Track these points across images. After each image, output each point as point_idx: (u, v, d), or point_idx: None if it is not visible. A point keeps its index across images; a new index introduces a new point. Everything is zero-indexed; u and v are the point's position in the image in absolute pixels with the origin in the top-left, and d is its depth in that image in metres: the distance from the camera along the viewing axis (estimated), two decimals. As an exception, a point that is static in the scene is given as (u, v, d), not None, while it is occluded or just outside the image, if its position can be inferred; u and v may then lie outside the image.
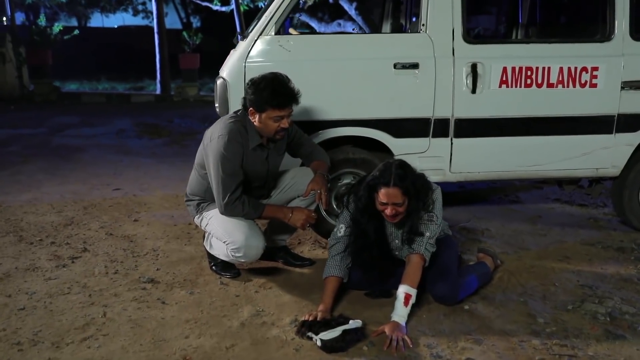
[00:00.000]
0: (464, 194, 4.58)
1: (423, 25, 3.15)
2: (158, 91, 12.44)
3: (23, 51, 11.64)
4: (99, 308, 2.51)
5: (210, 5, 12.87)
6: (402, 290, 2.35)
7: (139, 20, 24.63)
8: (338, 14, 8.99)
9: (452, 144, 3.25)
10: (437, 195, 2.54)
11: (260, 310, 2.52)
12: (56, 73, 14.30)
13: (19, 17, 17.52)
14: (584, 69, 3.21)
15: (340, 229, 2.58)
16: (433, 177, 3.32)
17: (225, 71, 3.18)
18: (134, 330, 2.33)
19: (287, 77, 2.63)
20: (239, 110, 2.74)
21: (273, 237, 3.03)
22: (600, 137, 3.31)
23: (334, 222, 3.25)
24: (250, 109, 2.60)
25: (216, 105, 3.25)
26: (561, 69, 3.20)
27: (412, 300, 2.35)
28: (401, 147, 3.22)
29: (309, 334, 2.23)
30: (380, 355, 2.14)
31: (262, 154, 2.72)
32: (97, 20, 26.93)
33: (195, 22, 23.36)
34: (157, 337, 2.28)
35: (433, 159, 3.28)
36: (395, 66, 3.12)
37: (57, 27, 11.80)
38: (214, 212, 2.71)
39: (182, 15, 23.10)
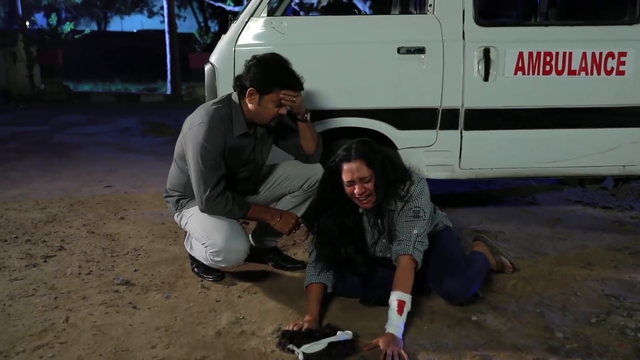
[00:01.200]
0: (477, 194, 4.26)
1: (430, 5, 2.86)
2: (169, 91, 12.31)
3: (34, 50, 11.61)
4: (62, 312, 2.26)
5: (223, 6, 12.74)
6: (394, 297, 2.06)
7: (157, 25, 24.76)
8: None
9: (461, 136, 2.95)
10: (423, 186, 2.24)
11: (241, 317, 2.24)
12: (70, 75, 14.32)
13: (42, 21, 17.65)
14: (610, 54, 2.88)
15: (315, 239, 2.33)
16: (441, 174, 3.04)
17: (214, 56, 2.93)
18: (96, 338, 2.06)
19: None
20: (224, 95, 2.48)
21: (262, 238, 2.76)
22: (628, 130, 2.98)
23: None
24: (250, 89, 2.30)
25: (206, 94, 3.01)
26: (584, 54, 2.88)
27: (407, 308, 2.05)
28: (405, 140, 2.94)
29: (290, 346, 1.94)
30: (371, 373, 1.86)
31: (248, 144, 2.45)
32: (117, 24, 27.18)
33: (213, 26, 23.35)
34: (120, 346, 2.01)
35: (441, 154, 2.98)
36: (399, 50, 2.84)
37: (68, 27, 11.74)
38: (194, 209, 2.44)
39: (200, 19, 23.09)
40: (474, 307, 2.30)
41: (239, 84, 2.36)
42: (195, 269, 2.64)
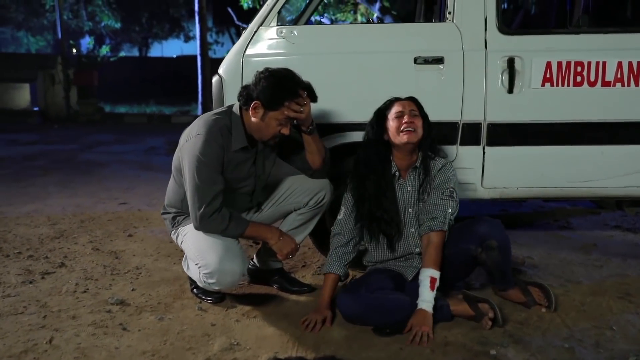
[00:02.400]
0: (505, 217, 3.99)
1: (449, 13, 2.68)
2: (199, 112, 12.42)
3: (71, 73, 11.93)
4: (48, 332, 2.13)
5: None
6: (427, 274, 2.15)
7: (196, 51, 25.37)
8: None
9: (484, 153, 2.72)
10: (453, 169, 2.36)
11: (235, 343, 2.06)
12: (108, 98, 14.69)
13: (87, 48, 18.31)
14: (649, 64, 2.63)
15: (341, 213, 2.36)
16: (462, 193, 2.79)
17: (221, 67, 2.81)
18: (77, 362, 1.92)
19: None
20: (225, 106, 2.36)
21: (267, 258, 2.58)
22: (672, 147, 2.70)
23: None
24: (256, 102, 2.16)
25: (213, 107, 2.89)
26: (620, 64, 2.63)
27: (436, 284, 2.14)
28: (423, 156, 2.72)
29: (281, 378, 1.76)
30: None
31: (248, 158, 2.29)
32: (158, 50, 27.96)
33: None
34: (101, 371, 1.87)
35: (462, 171, 2.74)
36: (415, 61, 2.65)
37: (104, 49, 12.05)
38: (190, 227, 2.29)
39: (237, 44, 23.49)
40: (494, 340, 2.07)
41: (245, 94, 2.21)
42: (194, 290, 2.48)
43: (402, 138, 2.23)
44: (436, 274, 2.15)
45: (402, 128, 2.23)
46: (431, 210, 2.27)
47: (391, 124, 2.27)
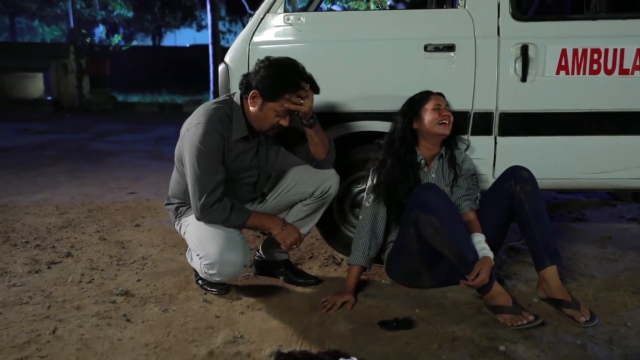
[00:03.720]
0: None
1: (461, -1, 2.60)
2: (211, 101, 12.41)
3: (83, 62, 11.96)
4: (52, 323, 2.11)
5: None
6: (479, 237, 2.25)
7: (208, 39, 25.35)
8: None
9: (495, 143, 2.65)
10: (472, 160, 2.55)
11: (239, 336, 2.03)
12: (121, 87, 14.72)
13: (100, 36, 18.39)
14: (670, 51, 2.53)
15: (369, 199, 2.39)
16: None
17: (227, 55, 2.76)
18: (79, 353, 1.90)
19: None
20: (226, 95, 2.31)
21: (272, 250, 2.55)
22: (691, 138, 2.60)
23: (351, 234, 2.75)
24: (254, 91, 2.09)
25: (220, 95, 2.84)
26: (639, 50, 2.54)
27: None
28: (432, 147, 2.66)
29: (284, 372, 1.73)
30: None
31: (250, 148, 2.25)
32: (171, 39, 27.99)
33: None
34: (103, 363, 1.85)
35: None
36: (426, 48, 2.58)
37: (116, 39, 12.06)
38: (192, 218, 2.25)
39: (251, 35, 23.41)
40: (503, 335, 2.01)
41: (245, 82, 2.16)
42: (199, 281, 2.46)
43: (440, 129, 2.38)
44: (484, 237, 2.27)
45: (440, 120, 2.37)
46: (465, 194, 2.43)
47: (428, 115, 2.39)
